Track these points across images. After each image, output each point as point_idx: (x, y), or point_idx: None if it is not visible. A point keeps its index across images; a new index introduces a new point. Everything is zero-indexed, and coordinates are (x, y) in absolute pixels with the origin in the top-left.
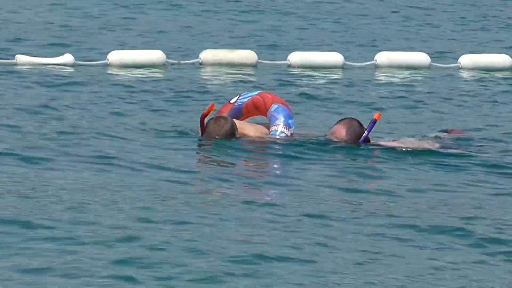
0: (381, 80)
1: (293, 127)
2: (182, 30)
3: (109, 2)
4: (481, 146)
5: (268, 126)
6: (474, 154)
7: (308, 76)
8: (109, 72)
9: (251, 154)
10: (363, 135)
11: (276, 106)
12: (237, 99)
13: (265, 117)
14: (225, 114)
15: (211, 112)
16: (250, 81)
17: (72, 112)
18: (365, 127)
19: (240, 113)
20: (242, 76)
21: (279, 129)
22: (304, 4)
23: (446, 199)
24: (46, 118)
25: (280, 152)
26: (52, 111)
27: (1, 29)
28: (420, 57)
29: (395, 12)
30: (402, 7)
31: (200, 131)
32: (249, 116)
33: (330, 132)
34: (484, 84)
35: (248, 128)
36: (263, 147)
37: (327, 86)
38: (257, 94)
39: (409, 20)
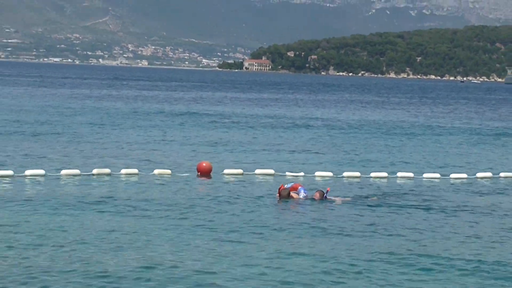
0: None
1: (307, 193)
2: None
3: None
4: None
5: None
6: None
7: None
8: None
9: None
10: (325, 195)
11: (300, 187)
12: (285, 185)
13: (297, 191)
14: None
15: (282, 188)
16: None
17: None
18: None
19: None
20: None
21: (301, 195)
22: None
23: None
24: None
25: (301, 203)
26: None
27: None
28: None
29: None
30: None
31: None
32: (292, 190)
33: (314, 194)
34: None
35: (293, 194)
36: (295, 202)
37: None
38: (293, 183)
39: None
